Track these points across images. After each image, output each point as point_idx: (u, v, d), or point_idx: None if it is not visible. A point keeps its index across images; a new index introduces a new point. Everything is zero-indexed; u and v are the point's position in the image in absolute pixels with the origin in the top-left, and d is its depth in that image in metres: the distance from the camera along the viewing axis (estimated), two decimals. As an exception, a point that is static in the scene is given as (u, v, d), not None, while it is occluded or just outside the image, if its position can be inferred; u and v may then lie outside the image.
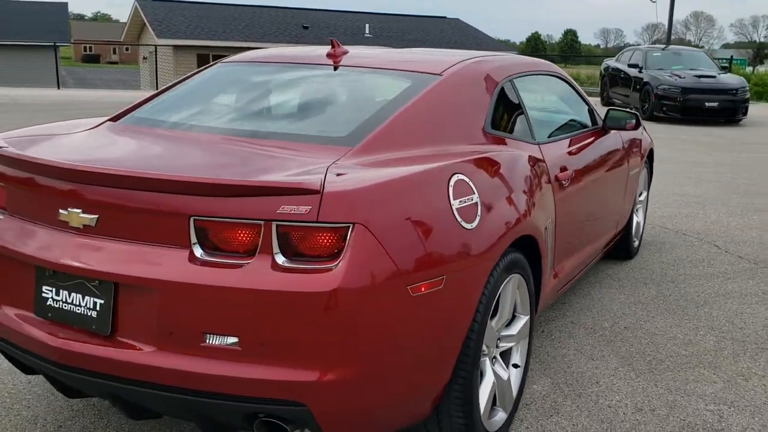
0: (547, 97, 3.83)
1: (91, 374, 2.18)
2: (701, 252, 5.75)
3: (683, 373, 3.54)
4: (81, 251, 2.18)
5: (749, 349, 3.87)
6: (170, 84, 3.32)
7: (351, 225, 2.01)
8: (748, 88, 16.22)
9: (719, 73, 16.77)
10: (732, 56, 30.09)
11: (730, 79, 16.39)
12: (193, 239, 2.08)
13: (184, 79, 3.36)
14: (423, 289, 2.16)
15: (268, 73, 3.35)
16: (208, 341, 2.05)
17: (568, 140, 3.74)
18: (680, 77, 16.07)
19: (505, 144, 3.05)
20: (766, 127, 16.34)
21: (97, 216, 2.17)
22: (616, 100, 18.51)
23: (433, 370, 2.31)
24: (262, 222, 2.02)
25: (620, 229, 4.88)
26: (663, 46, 19.74)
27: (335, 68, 3.21)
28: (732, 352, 3.81)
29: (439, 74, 2.97)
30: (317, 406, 2.04)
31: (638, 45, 19.51)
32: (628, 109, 4.34)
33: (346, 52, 3.31)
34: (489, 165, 2.66)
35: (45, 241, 2.26)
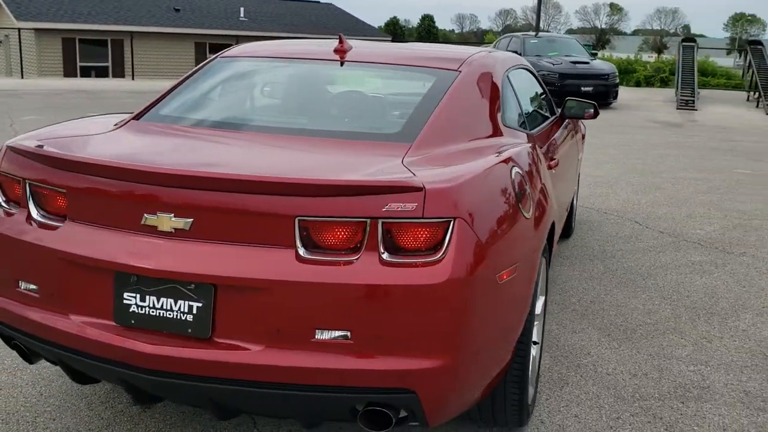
0: (525, 89, 4.06)
1: (188, 378, 2.18)
2: (626, 229, 6.26)
3: (656, 339, 3.92)
4: (173, 255, 2.17)
5: (701, 314, 4.31)
6: (182, 80, 3.25)
7: (452, 219, 2.13)
8: (617, 74, 17.43)
9: (591, 59, 17.90)
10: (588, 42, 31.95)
11: (602, 65, 17.56)
12: (298, 239, 2.13)
13: (193, 74, 3.30)
14: (505, 277, 2.33)
15: (290, 69, 3.37)
16: (319, 336, 2.12)
17: (545, 131, 4.01)
18: (557, 63, 17.02)
19: (516, 136, 3.25)
20: (630, 109, 17.66)
21: (191, 219, 2.16)
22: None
23: (506, 351, 2.49)
24: (367, 220, 2.10)
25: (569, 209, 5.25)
26: (535, 32, 20.76)
27: (355, 63, 3.27)
28: (689, 318, 4.24)
29: (457, 70, 3.12)
30: (424, 392, 2.16)
31: (515, 33, 20.34)
32: (585, 100, 4.68)
33: (350, 47, 3.38)
34: (526, 157, 2.85)
35: (126, 247, 2.22)
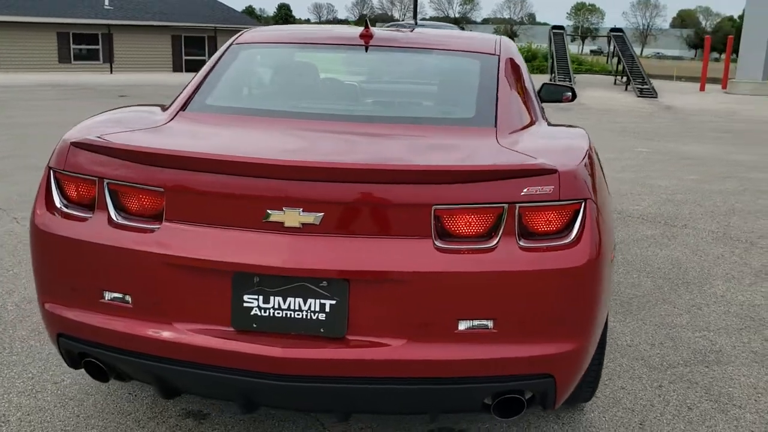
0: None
1: (321, 380, 2.07)
2: (572, 208, 6.53)
3: (653, 310, 4.12)
4: (302, 252, 2.04)
5: (679, 284, 4.58)
6: (209, 68, 3.04)
7: (584, 200, 2.15)
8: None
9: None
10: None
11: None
12: (434, 228, 2.07)
13: (218, 62, 3.09)
14: (612, 258, 2.37)
15: (328, 55, 3.25)
16: (462, 327, 2.07)
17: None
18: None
19: (541, 121, 3.31)
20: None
21: (322, 213, 2.04)
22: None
23: (604, 327, 2.54)
24: (505, 205, 2.07)
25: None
26: (413, 21, 21.06)
27: (394, 48, 3.20)
28: (670, 289, 4.49)
29: (496, 54, 3.13)
30: (561, 375, 2.17)
31: (398, 20, 20.59)
32: (563, 83, 4.81)
33: (376, 33, 3.30)
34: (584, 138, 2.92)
35: (246, 246, 2.06)
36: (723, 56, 38.60)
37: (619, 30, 24.16)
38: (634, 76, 20.19)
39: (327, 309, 2.06)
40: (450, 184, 2.05)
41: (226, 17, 33.56)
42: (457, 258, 2.06)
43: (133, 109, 2.84)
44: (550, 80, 20.45)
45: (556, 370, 2.15)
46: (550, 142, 2.52)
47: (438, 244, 2.07)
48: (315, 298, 2.06)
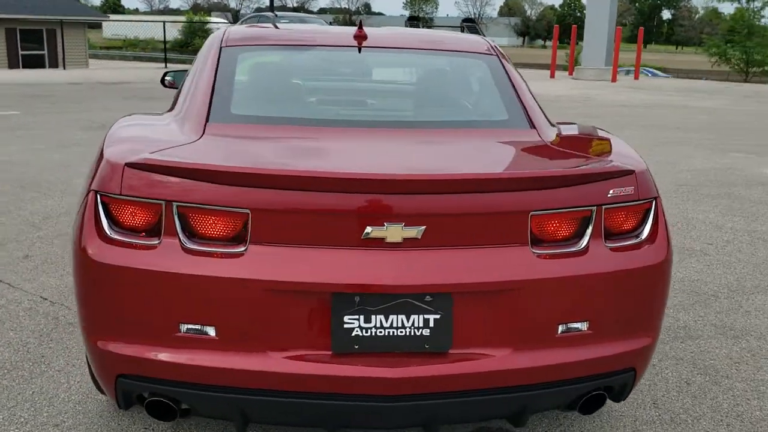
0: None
1: (427, 397, 2.02)
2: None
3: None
4: (405, 267, 1.98)
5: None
6: (213, 75, 2.83)
7: (654, 199, 2.24)
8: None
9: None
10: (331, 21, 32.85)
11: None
12: (530, 234, 2.08)
13: (218, 68, 2.89)
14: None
15: (332, 57, 3.14)
16: (560, 331, 2.10)
17: None
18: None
19: None
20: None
21: (424, 227, 1.99)
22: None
23: None
24: (594, 207, 2.12)
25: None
26: (269, 12, 20.77)
27: (399, 50, 3.16)
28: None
29: (494, 54, 3.17)
30: (640, 368, 2.27)
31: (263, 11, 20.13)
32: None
33: (364, 36, 3.24)
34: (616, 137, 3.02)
35: (345, 265, 1.97)
36: (550, 43, 41.17)
37: (472, 20, 25.07)
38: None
39: (431, 324, 2.02)
40: (546, 190, 2.07)
41: (68, 8, 31.21)
42: (554, 263, 2.08)
43: (139, 120, 2.61)
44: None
45: (637, 363, 2.24)
46: (595, 142, 2.60)
47: (534, 250, 2.08)
48: (419, 313, 2.01)
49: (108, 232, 2.06)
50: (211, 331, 2.00)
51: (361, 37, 3.15)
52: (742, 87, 23.50)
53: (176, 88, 4.53)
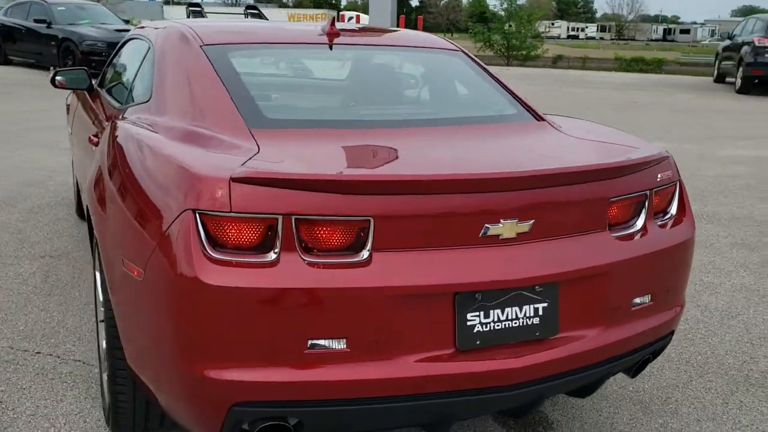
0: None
1: (539, 382, 2.14)
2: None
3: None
4: (520, 261, 2.07)
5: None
6: (219, 78, 2.64)
7: (678, 180, 2.53)
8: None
9: (132, 27, 17.37)
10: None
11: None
12: (608, 220, 2.26)
13: (228, 71, 2.70)
14: None
15: (323, 56, 3.09)
16: (634, 306, 2.32)
17: None
18: (100, 31, 16.08)
19: None
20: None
21: (533, 220, 2.09)
22: (18, 58, 17.36)
23: None
24: (648, 191, 2.36)
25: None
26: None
27: (371, 47, 3.20)
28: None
29: (457, 49, 3.34)
30: (675, 331, 2.56)
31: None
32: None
33: (338, 33, 3.22)
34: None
35: (465, 264, 2.01)
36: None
37: (255, 7, 24.82)
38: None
39: (540, 312, 2.14)
40: (620, 178, 2.26)
41: None
42: (629, 244, 2.29)
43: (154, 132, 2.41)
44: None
45: (674, 327, 2.53)
46: (598, 131, 2.84)
47: (612, 234, 2.27)
48: (530, 304, 2.12)
49: (213, 253, 1.91)
50: (341, 344, 1.95)
51: (333, 34, 3.13)
52: (510, 70, 25.69)
53: (68, 89, 4.14)
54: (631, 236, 2.31)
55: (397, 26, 23.50)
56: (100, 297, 2.77)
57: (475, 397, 2.06)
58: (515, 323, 2.11)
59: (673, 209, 2.49)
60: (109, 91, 3.87)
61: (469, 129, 2.68)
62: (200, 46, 2.87)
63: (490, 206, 2.03)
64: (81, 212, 5.27)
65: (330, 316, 1.93)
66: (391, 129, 2.60)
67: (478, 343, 2.07)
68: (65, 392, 3.00)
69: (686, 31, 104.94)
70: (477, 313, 2.06)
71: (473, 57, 3.31)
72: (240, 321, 1.90)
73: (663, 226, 2.42)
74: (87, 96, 4.20)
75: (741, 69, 17.19)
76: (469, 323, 2.05)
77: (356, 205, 1.93)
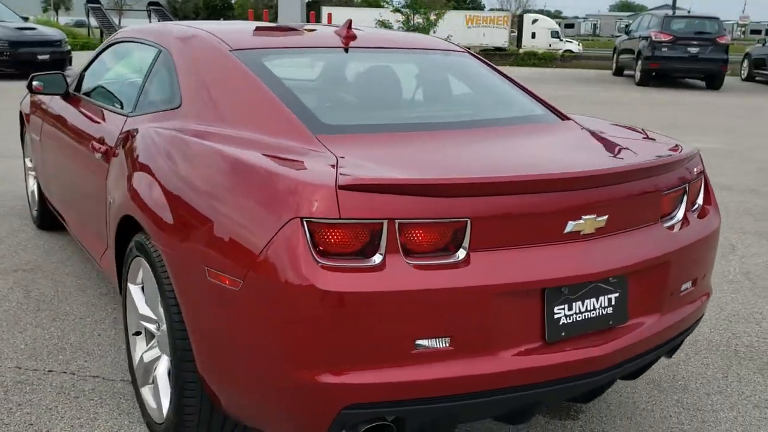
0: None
1: (615, 367, 2.28)
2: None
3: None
4: (598, 255, 2.19)
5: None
6: (264, 84, 2.62)
7: (703, 172, 2.73)
8: (67, 40, 16.63)
9: (35, 25, 16.55)
10: None
11: (51, 31, 16.44)
12: (660, 211, 2.43)
13: (261, 75, 2.68)
14: None
15: (349, 60, 3.12)
16: (683, 290, 2.50)
17: None
18: (2, 30, 15.27)
19: None
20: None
21: (606, 216, 2.21)
22: None
23: None
24: (686, 185, 2.54)
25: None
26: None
27: (391, 50, 3.27)
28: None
29: (464, 51, 3.45)
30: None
31: None
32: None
33: (354, 36, 3.26)
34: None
35: (553, 260, 2.11)
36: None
37: (156, 3, 24.05)
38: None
39: (613, 302, 2.27)
40: (671, 172, 2.43)
41: None
42: (679, 234, 2.47)
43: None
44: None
45: (705, 311, 2.73)
46: (619, 128, 3.01)
47: (664, 224, 2.43)
48: (604, 294, 2.25)
49: (322, 260, 1.93)
50: (446, 343, 2.01)
51: (351, 37, 3.17)
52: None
53: (45, 94, 3.99)
54: (678, 226, 2.48)
55: (308, 21, 23.49)
56: (143, 310, 2.70)
57: (563, 385, 2.17)
58: (593, 314, 2.23)
59: (701, 200, 2.68)
60: (100, 96, 3.74)
61: (515, 129, 2.78)
62: (230, 51, 2.84)
63: (573, 203, 2.15)
64: (43, 223, 5.04)
65: (434, 316, 1.99)
66: (447, 130, 2.66)
67: (563, 334, 2.18)
68: (96, 409, 2.90)
69: (570, 26, 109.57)
70: (562, 306, 2.17)
71: (481, 57, 3.43)
72: (351, 325, 1.93)
73: (698, 216, 2.61)
74: (64, 101, 4.03)
75: (640, 62, 18.17)
76: (555, 316, 2.16)
77: (455, 207, 2.00)
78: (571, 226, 2.15)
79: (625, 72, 20.54)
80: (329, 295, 1.91)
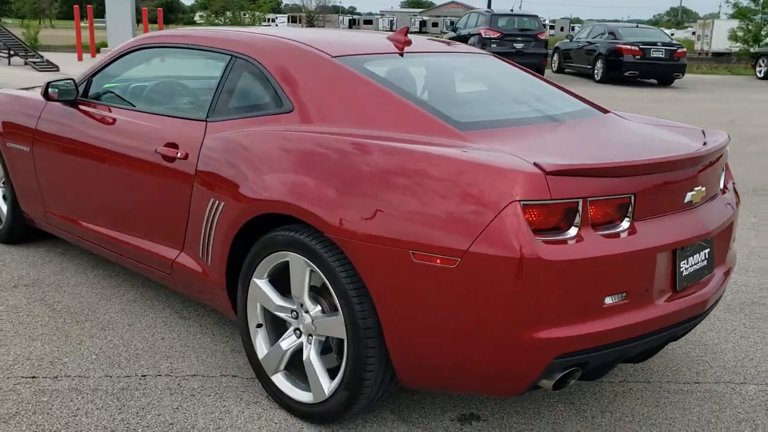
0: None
1: (709, 309, 2.87)
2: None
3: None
4: (703, 219, 2.76)
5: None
6: (380, 86, 2.90)
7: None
8: None
9: None
10: None
11: None
12: (720, 185, 3.05)
13: (374, 78, 2.96)
14: None
15: (430, 62, 3.47)
16: (731, 246, 3.14)
17: None
18: None
19: None
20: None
21: (704, 187, 2.78)
22: None
23: None
24: (726, 162, 3.19)
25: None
26: None
27: (460, 54, 3.71)
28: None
29: (488, 53, 3.93)
30: None
31: None
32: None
33: (410, 41, 3.61)
34: None
35: (679, 225, 2.64)
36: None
37: None
38: (18, 51, 18.97)
39: (706, 257, 2.85)
40: (723, 153, 3.05)
41: None
42: (729, 203, 3.09)
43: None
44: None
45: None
46: (657, 119, 3.62)
47: (722, 196, 3.06)
48: (703, 250, 2.82)
49: (538, 235, 2.31)
50: (623, 297, 2.47)
51: (409, 42, 3.53)
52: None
53: (58, 101, 3.95)
54: (728, 197, 3.12)
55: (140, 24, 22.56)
56: (279, 302, 2.89)
57: (688, 323, 2.73)
58: (697, 266, 2.80)
59: (728, 179, 3.35)
60: (140, 102, 3.74)
61: (593, 121, 3.27)
62: (333, 58, 3.07)
63: (692, 178, 2.70)
64: (12, 238, 4.79)
65: (616, 275, 2.44)
66: (553, 123, 3.11)
67: (684, 284, 2.73)
68: (222, 403, 3.02)
69: (369, 22, 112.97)
70: (684, 261, 2.71)
71: (501, 57, 3.91)
72: (563, 288, 2.34)
73: (724, 191, 3.26)
74: (73, 108, 3.93)
75: (472, 58, 19.55)
76: (680, 270, 2.69)
77: (626, 185, 2.48)
78: (689, 196, 2.70)
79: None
80: (549, 264, 2.30)
